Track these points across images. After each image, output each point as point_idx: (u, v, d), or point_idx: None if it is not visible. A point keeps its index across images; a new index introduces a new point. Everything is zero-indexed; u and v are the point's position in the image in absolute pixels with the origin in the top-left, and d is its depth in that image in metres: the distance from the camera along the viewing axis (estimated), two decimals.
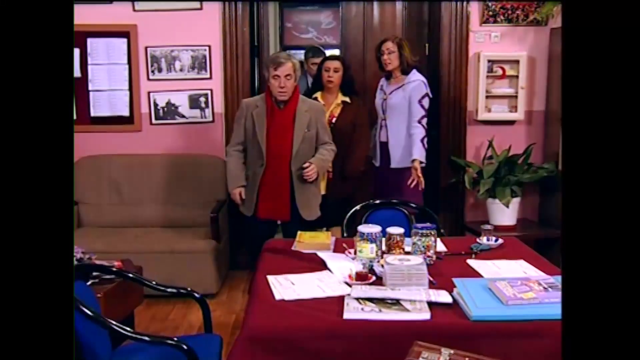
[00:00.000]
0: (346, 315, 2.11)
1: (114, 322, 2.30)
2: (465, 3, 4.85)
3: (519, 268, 2.64)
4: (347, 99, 4.36)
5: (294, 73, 3.68)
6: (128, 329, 2.30)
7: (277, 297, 2.30)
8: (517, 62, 4.87)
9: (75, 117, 4.84)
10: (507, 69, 4.90)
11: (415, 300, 2.16)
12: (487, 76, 4.88)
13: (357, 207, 3.58)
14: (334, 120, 4.31)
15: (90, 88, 4.89)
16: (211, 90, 4.91)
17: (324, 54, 5.12)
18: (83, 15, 4.57)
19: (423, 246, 2.67)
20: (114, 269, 3.09)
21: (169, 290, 2.79)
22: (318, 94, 4.38)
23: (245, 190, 3.85)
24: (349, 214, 3.54)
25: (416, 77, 4.27)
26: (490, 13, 4.86)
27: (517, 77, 4.88)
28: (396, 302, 2.16)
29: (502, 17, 4.87)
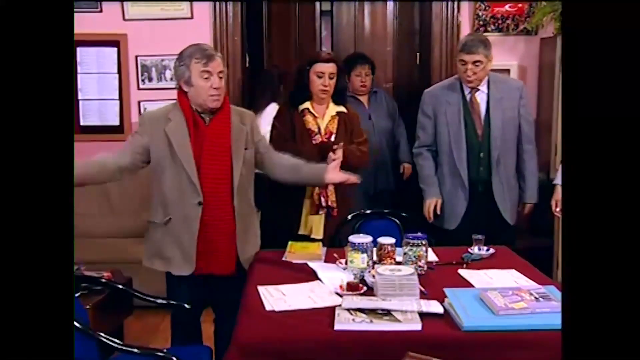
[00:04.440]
0: (337, 326, 2.09)
1: (102, 334, 2.28)
2: (456, 13, 4.85)
3: (511, 278, 2.64)
4: (342, 109, 3.51)
5: (225, 70, 2.87)
6: (117, 340, 2.29)
7: (268, 307, 2.28)
8: (508, 71, 4.87)
9: None
10: None
11: (407, 311, 2.15)
12: None
13: (348, 217, 3.55)
14: (332, 137, 3.40)
15: (80, 97, 4.88)
16: None
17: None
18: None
19: (414, 256, 2.66)
20: (103, 280, 3.08)
21: (158, 301, 2.78)
22: (307, 104, 3.44)
23: (172, 241, 2.83)
24: (341, 225, 3.49)
25: None
26: (481, 22, 4.87)
27: None
28: (387, 313, 2.15)
29: (492, 27, 4.88)
